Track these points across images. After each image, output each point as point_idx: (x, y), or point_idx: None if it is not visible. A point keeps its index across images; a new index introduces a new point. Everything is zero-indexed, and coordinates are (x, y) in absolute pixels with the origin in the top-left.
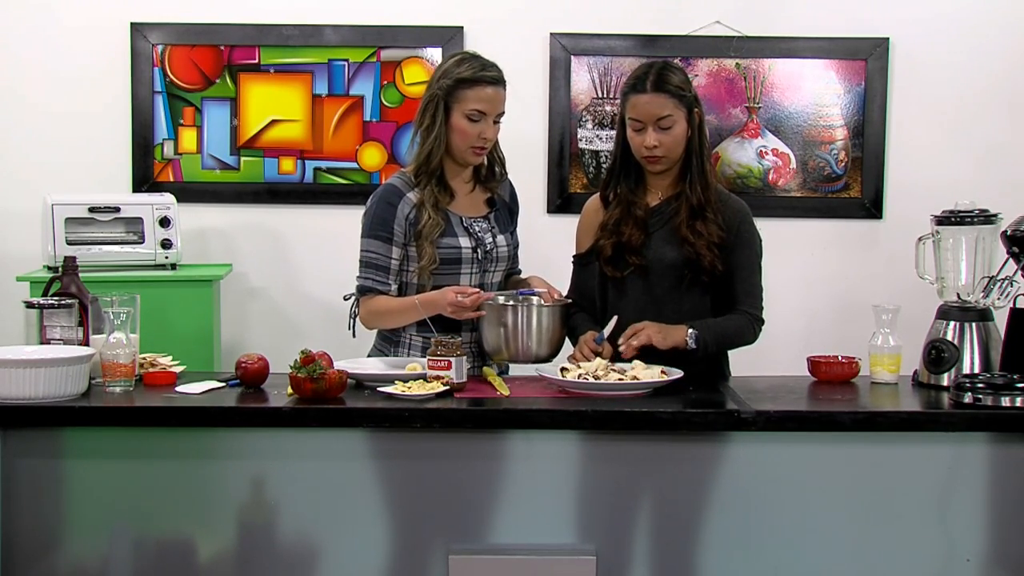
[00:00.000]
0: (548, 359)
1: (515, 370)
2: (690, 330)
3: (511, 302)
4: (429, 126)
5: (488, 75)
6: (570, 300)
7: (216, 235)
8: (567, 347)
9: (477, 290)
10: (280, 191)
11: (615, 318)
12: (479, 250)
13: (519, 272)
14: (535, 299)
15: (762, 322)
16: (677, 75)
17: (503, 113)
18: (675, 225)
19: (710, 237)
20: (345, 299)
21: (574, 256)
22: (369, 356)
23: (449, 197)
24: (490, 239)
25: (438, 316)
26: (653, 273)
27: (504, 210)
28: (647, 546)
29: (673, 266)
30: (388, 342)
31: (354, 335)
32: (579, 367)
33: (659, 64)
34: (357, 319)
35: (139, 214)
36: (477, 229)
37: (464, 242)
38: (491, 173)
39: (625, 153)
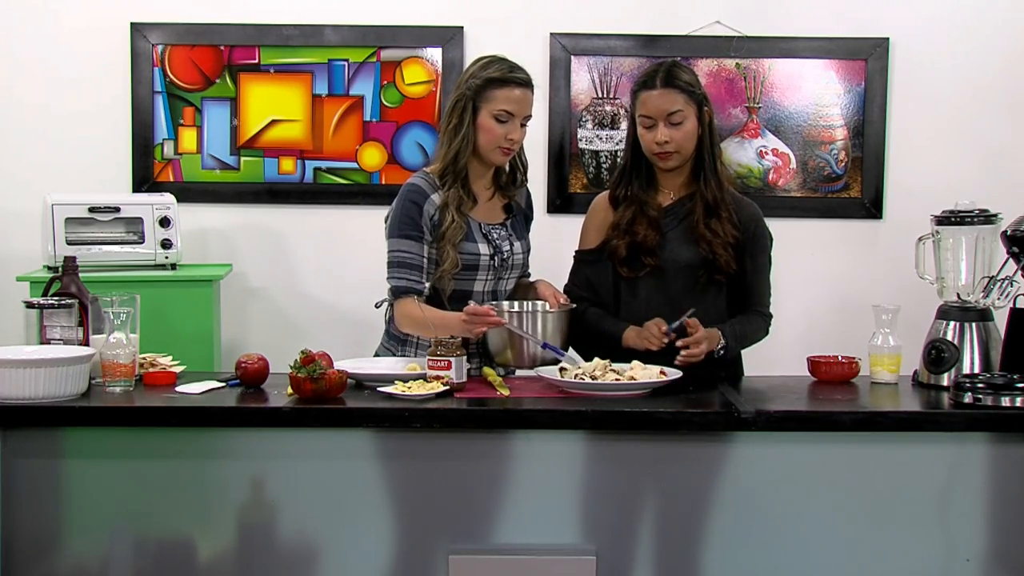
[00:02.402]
0: (552, 364)
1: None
2: (720, 339)
3: (515, 308)
4: (456, 125)
5: (517, 76)
6: (574, 306)
7: (216, 235)
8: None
9: (489, 311)
10: (280, 191)
11: (691, 310)
12: (496, 257)
13: (528, 276)
14: (540, 304)
15: (771, 317)
16: (687, 73)
17: (530, 116)
18: (691, 224)
19: (725, 236)
20: (376, 307)
21: (577, 251)
22: (376, 355)
23: (472, 202)
24: (507, 246)
25: None
26: (668, 273)
27: (520, 216)
28: (647, 546)
29: (689, 266)
30: (396, 341)
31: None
32: (578, 367)
33: (669, 62)
34: (392, 323)
35: (139, 214)
36: (495, 236)
37: (483, 248)
38: (512, 179)
39: (636, 153)
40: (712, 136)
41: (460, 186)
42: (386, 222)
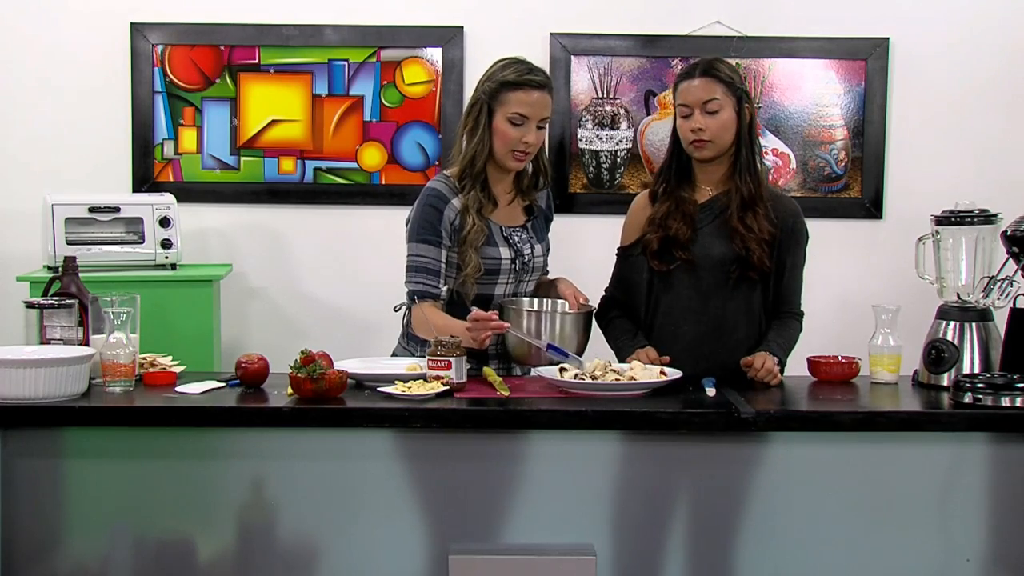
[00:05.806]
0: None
1: (518, 370)
2: (769, 356)
3: (533, 308)
4: (472, 129)
5: (532, 79)
6: (593, 307)
7: (216, 235)
8: (591, 351)
9: (492, 316)
10: (280, 191)
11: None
12: (517, 261)
13: (547, 273)
14: (560, 304)
15: (803, 315)
16: (727, 66)
17: (548, 118)
18: (726, 218)
19: (760, 233)
20: (395, 310)
21: (618, 249)
22: (394, 355)
23: (492, 205)
24: (528, 249)
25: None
26: (700, 268)
27: (541, 218)
28: (647, 546)
29: (721, 261)
30: (415, 341)
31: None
32: (580, 368)
33: (713, 56)
34: (410, 326)
35: (139, 214)
36: (516, 239)
37: (504, 252)
38: (534, 183)
39: (676, 150)
40: (752, 132)
41: (480, 189)
42: (407, 225)
